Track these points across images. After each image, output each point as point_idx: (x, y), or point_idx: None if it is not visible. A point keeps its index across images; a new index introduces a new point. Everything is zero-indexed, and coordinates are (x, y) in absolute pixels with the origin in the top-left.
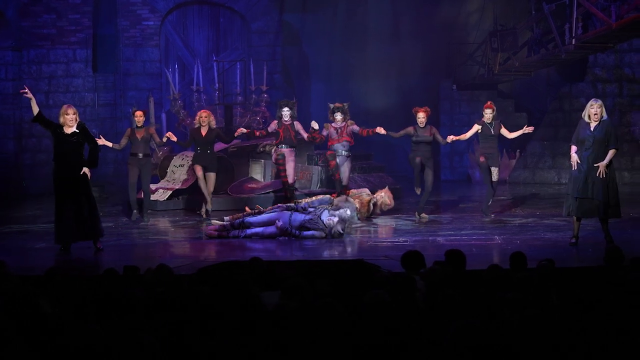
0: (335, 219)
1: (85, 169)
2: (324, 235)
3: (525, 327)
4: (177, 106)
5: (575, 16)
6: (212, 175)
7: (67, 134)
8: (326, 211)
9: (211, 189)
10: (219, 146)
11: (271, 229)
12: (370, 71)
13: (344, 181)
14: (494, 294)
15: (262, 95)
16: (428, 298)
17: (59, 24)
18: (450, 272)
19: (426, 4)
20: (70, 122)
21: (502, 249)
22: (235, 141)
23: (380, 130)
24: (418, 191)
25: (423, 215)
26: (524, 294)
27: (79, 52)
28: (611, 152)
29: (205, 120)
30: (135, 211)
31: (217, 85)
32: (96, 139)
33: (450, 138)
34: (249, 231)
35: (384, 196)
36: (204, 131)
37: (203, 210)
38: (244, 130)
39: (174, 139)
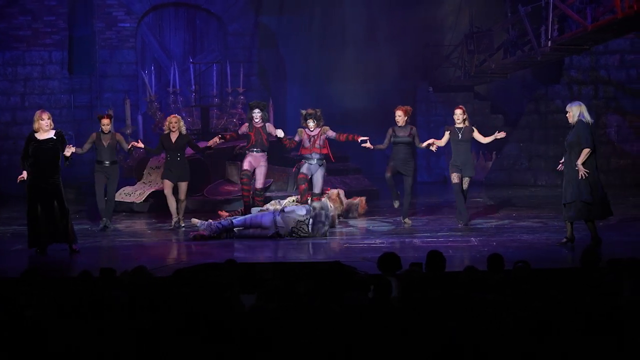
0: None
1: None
2: (306, 216)
3: (506, 328)
4: (153, 108)
5: (550, 18)
6: (183, 185)
7: (42, 140)
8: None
9: (182, 197)
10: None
11: (262, 224)
12: (346, 73)
13: (317, 190)
14: (471, 295)
15: (238, 97)
16: (404, 300)
17: (35, 26)
18: (430, 274)
19: (402, 6)
20: (45, 127)
21: (478, 250)
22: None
23: (367, 143)
24: (396, 204)
25: (407, 220)
26: (503, 295)
27: (55, 54)
28: (583, 152)
29: (175, 126)
30: (104, 219)
31: (193, 87)
32: (66, 146)
33: (430, 142)
34: (237, 231)
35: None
36: (173, 137)
37: (173, 221)
38: (217, 141)
39: (141, 145)
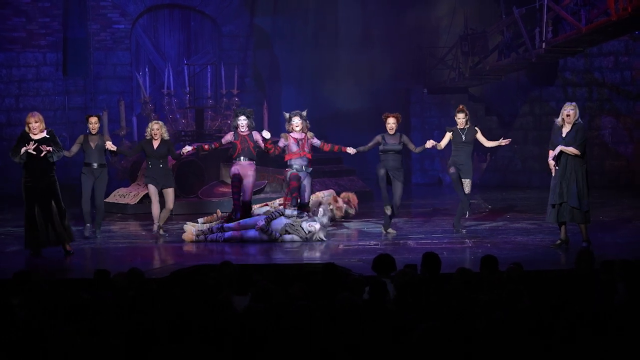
0: (317, 226)
1: (44, 146)
2: (303, 239)
3: (493, 329)
4: (147, 110)
5: (545, 20)
6: (169, 192)
7: (35, 140)
8: (306, 218)
9: (170, 205)
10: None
11: (252, 233)
12: (341, 75)
13: (306, 199)
14: (463, 296)
15: (233, 99)
16: (398, 301)
17: (29, 27)
18: (425, 275)
19: (396, 8)
20: (34, 130)
21: (473, 252)
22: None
23: (350, 150)
24: (388, 210)
25: (390, 230)
26: (497, 296)
27: (49, 55)
28: (571, 148)
29: (157, 133)
30: (88, 225)
31: (187, 88)
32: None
33: (430, 143)
34: (227, 234)
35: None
36: (155, 144)
37: (154, 227)
38: (189, 149)
39: (113, 148)
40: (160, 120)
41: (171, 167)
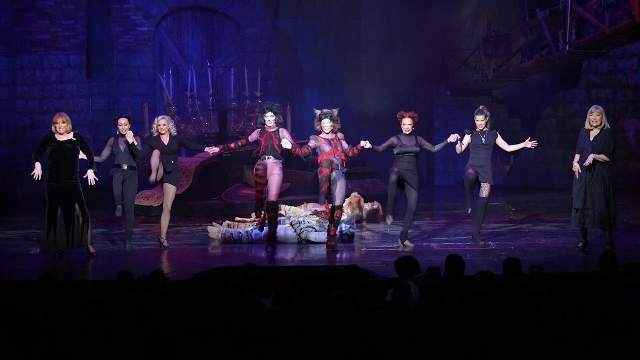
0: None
1: (90, 172)
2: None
3: (520, 330)
4: (171, 112)
5: (569, 22)
6: (171, 188)
7: (61, 141)
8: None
9: (169, 204)
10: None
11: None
12: (363, 77)
13: (338, 201)
14: (484, 299)
15: (256, 101)
16: (421, 303)
17: (53, 30)
18: (449, 278)
19: (419, 10)
20: (61, 130)
21: (496, 254)
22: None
23: (366, 144)
24: (389, 220)
25: (407, 242)
26: (518, 299)
27: (73, 57)
28: (603, 156)
29: (164, 128)
30: (119, 206)
31: (211, 91)
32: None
33: (454, 137)
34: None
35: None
36: (165, 139)
37: (162, 240)
38: (215, 150)
39: (131, 140)
40: (185, 122)
41: (193, 168)
